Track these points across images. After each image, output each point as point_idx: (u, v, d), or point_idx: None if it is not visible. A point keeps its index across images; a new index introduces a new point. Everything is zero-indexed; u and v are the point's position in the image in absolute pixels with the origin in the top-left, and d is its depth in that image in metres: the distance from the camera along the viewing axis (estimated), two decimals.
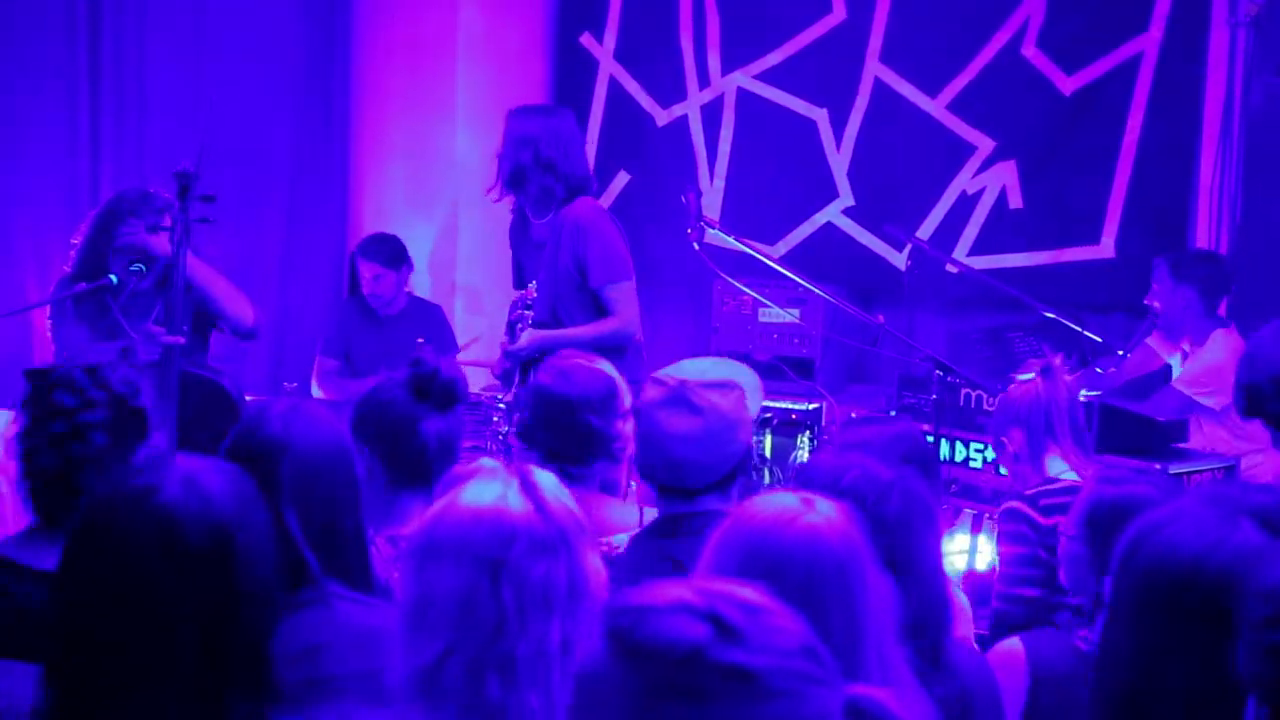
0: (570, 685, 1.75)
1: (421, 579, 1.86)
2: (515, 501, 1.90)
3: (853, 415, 5.31)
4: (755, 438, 5.38)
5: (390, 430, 2.96)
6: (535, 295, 4.91)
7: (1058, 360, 3.86)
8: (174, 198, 4.07)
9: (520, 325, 4.87)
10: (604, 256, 4.81)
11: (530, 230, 4.98)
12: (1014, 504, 3.65)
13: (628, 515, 3.22)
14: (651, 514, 3.24)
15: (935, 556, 2.40)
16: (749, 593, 1.27)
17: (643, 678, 1.20)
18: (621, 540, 3.10)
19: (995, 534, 3.78)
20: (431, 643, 1.82)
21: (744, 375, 3.05)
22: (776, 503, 1.93)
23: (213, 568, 1.79)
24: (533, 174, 4.84)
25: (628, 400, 3.28)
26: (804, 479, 2.51)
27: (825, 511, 1.91)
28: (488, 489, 1.92)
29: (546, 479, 1.97)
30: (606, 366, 3.39)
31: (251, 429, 2.56)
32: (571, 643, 1.84)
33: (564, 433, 3.26)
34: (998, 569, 3.67)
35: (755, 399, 3.12)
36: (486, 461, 2.01)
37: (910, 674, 1.96)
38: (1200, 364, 5.20)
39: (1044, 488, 3.68)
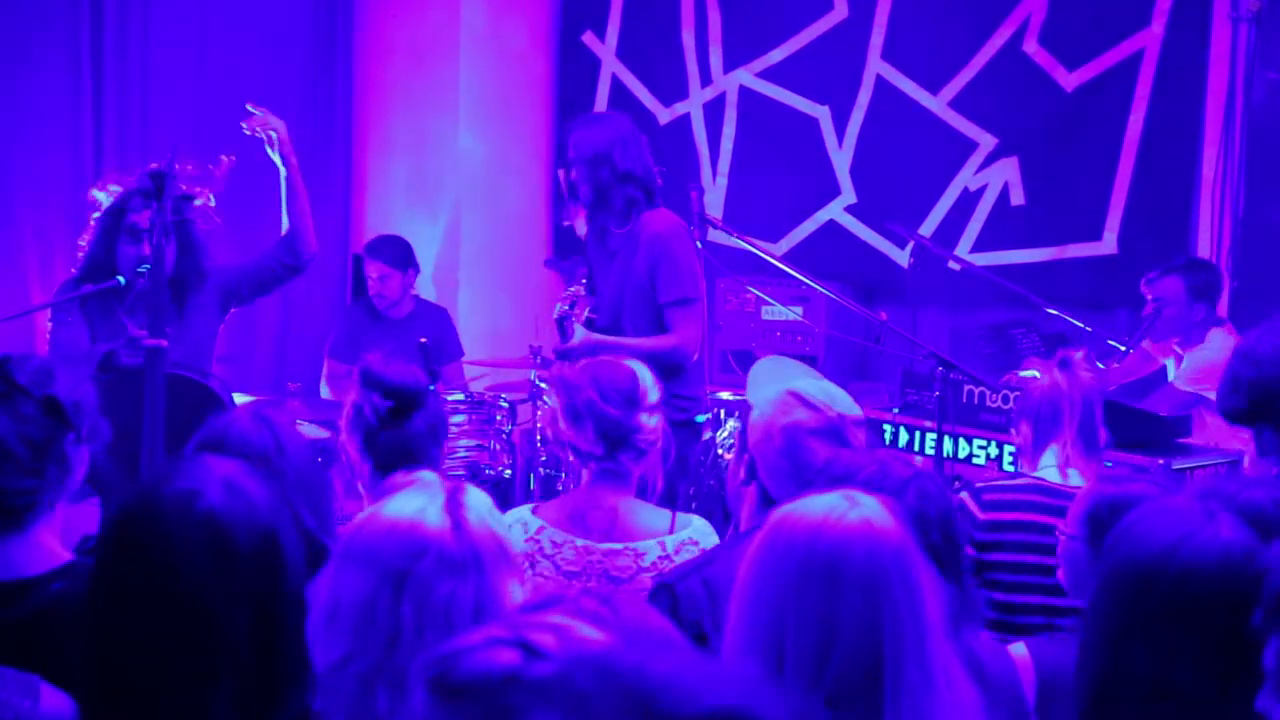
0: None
1: (335, 582, 1.86)
2: (433, 517, 1.88)
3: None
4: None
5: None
6: (582, 294, 4.88)
7: (1078, 355, 3.82)
8: (152, 199, 4.07)
9: (567, 323, 4.81)
10: (675, 274, 4.69)
11: (608, 240, 4.87)
12: (961, 494, 3.65)
13: (659, 520, 3.19)
14: (687, 519, 3.21)
15: (956, 551, 2.41)
16: (561, 612, 1.30)
17: (468, 715, 1.23)
18: (649, 547, 3.07)
19: None
20: (334, 647, 1.82)
21: (845, 398, 3.00)
22: (821, 503, 1.92)
23: (261, 570, 1.80)
24: (614, 189, 4.74)
25: (653, 395, 3.23)
26: (819, 475, 2.51)
27: (871, 507, 1.90)
28: (411, 501, 1.91)
29: (477, 499, 1.95)
30: (634, 364, 3.31)
31: (235, 436, 2.60)
32: None
33: (589, 428, 3.21)
34: None
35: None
36: (425, 475, 2.00)
37: (965, 671, 1.96)
38: (1201, 360, 5.21)
39: (993, 481, 3.69)
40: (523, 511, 3.22)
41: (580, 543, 3.10)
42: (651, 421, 3.18)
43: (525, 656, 1.23)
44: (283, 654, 1.77)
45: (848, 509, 1.89)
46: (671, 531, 3.12)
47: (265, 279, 4.84)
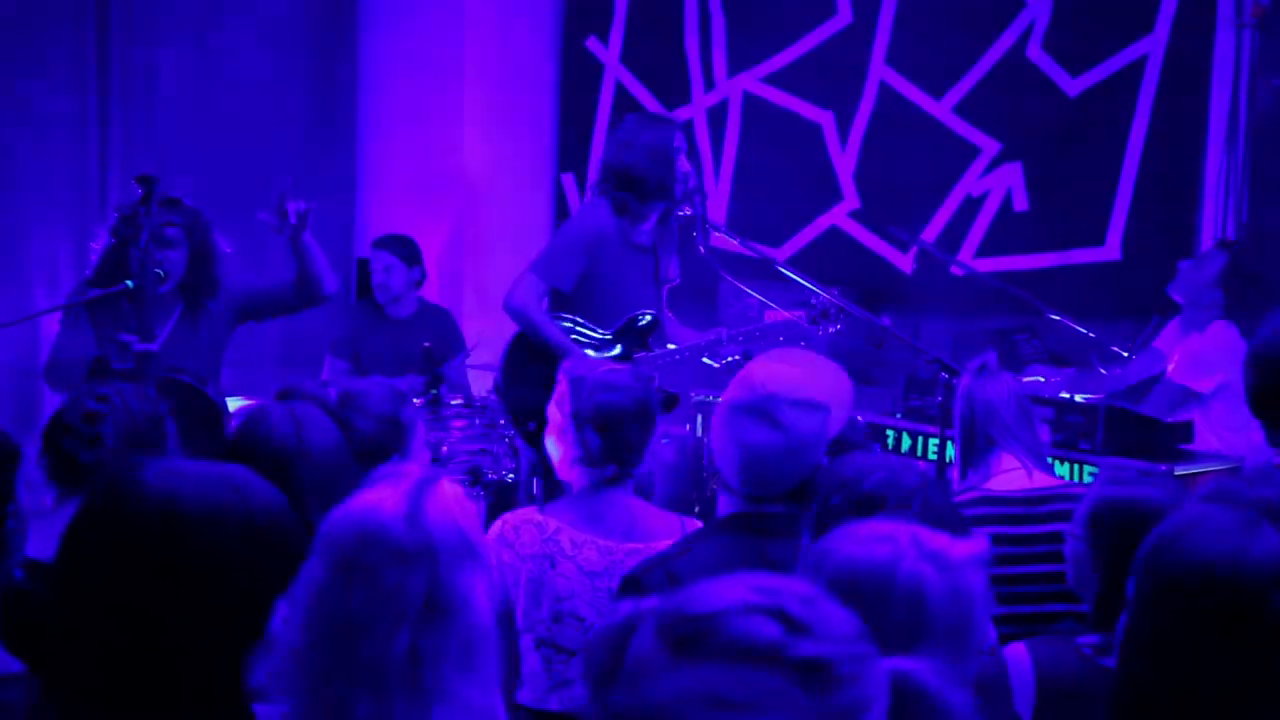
0: (420, 697, 1.74)
1: (302, 575, 1.86)
2: (390, 506, 1.88)
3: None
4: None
5: None
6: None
7: (992, 358, 3.77)
8: (138, 203, 4.08)
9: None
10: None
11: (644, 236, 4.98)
12: None
13: (668, 521, 3.20)
14: (693, 520, 3.23)
15: None
16: (797, 584, 1.28)
17: (720, 683, 1.19)
18: None
19: None
20: (297, 638, 1.81)
21: (840, 391, 2.92)
22: (880, 538, 1.87)
23: (200, 568, 1.76)
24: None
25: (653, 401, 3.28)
26: (829, 480, 2.51)
27: (938, 556, 1.85)
28: (374, 493, 1.91)
29: (447, 490, 1.94)
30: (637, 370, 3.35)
31: (260, 433, 2.59)
32: (423, 657, 1.82)
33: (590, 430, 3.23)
34: None
35: (843, 413, 2.98)
36: (406, 467, 2.00)
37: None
38: (1193, 351, 5.20)
39: (960, 497, 3.57)
40: (529, 513, 3.22)
41: (601, 542, 3.12)
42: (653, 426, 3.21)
43: (786, 630, 1.20)
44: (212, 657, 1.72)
45: (907, 554, 1.84)
46: (682, 532, 3.13)
47: (280, 307, 4.89)
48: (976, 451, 3.63)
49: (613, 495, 3.18)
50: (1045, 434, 3.71)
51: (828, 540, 1.91)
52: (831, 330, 4.86)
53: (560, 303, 4.92)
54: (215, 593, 1.67)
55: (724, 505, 2.82)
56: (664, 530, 3.16)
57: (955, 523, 2.41)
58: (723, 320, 6.28)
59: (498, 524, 3.20)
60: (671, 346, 4.98)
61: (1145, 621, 1.98)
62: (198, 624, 1.66)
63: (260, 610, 1.70)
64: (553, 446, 3.29)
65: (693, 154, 5.02)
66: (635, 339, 4.96)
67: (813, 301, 4.89)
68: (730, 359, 4.83)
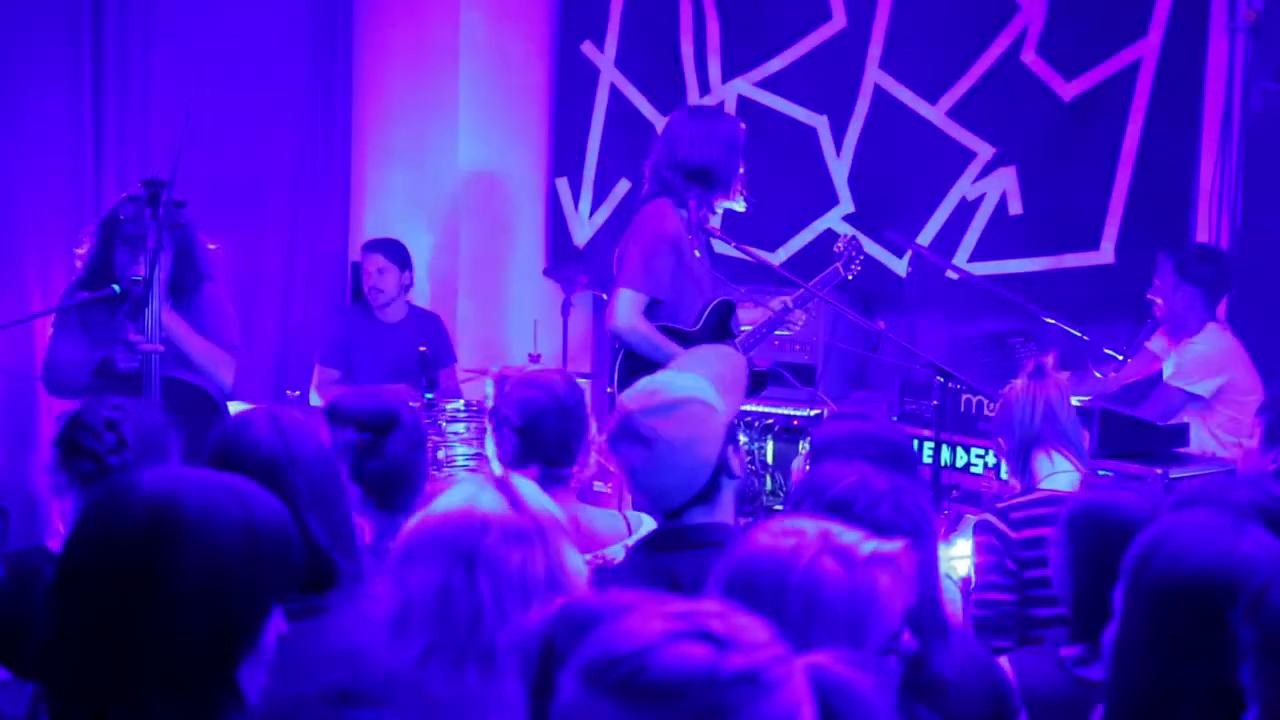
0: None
1: (400, 584, 1.86)
2: (487, 499, 1.91)
3: (825, 412, 5.32)
4: (748, 441, 5.39)
5: None
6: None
7: (1048, 360, 3.83)
8: (145, 205, 4.08)
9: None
10: None
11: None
12: (985, 516, 3.65)
13: (614, 523, 3.21)
14: (638, 518, 3.23)
15: (927, 567, 2.38)
16: (706, 602, 1.28)
17: (663, 717, 1.19)
18: (616, 552, 3.08)
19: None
20: (413, 642, 1.82)
21: (702, 383, 2.84)
22: (788, 534, 1.85)
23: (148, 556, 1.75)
24: None
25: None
26: (801, 486, 2.50)
27: (845, 551, 1.83)
28: (459, 492, 1.94)
29: (525, 484, 1.97)
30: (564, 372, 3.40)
31: (245, 443, 2.56)
32: None
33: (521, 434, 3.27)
34: (973, 578, 3.67)
35: (727, 399, 2.94)
36: (462, 474, 2.02)
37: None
38: (1190, 355, 5.22)
39: (1016, 500, 3.65)
40: None
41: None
42: (593, 428, 3.21)
43: (716, 650, 1.20)
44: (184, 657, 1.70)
45: (815, 547, 1.83)
46: (630, 532, 3.12)
47: None
48: (1029, 452, 3.68)
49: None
50: (1086, 437, 3.78)
51: (742, 535, 1.91)
52: (855, 268, 5.17)
53: (647, 310, 4.86)
54: (214, 600, 1.67)
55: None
56: (608, 532, 3.14)
57: (927, 528, 2.38)
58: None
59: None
60: (747, 328, 5.01)
61: (1135, 628, 1.97)
62: (195, 631, 1.66)
63: (258, 618, 1.70)
64: (488, 446, 3.33)
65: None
66: (721, 327, 4.97)
67: (838, 246, 5.17)
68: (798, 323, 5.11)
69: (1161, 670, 1.93)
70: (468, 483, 1.96)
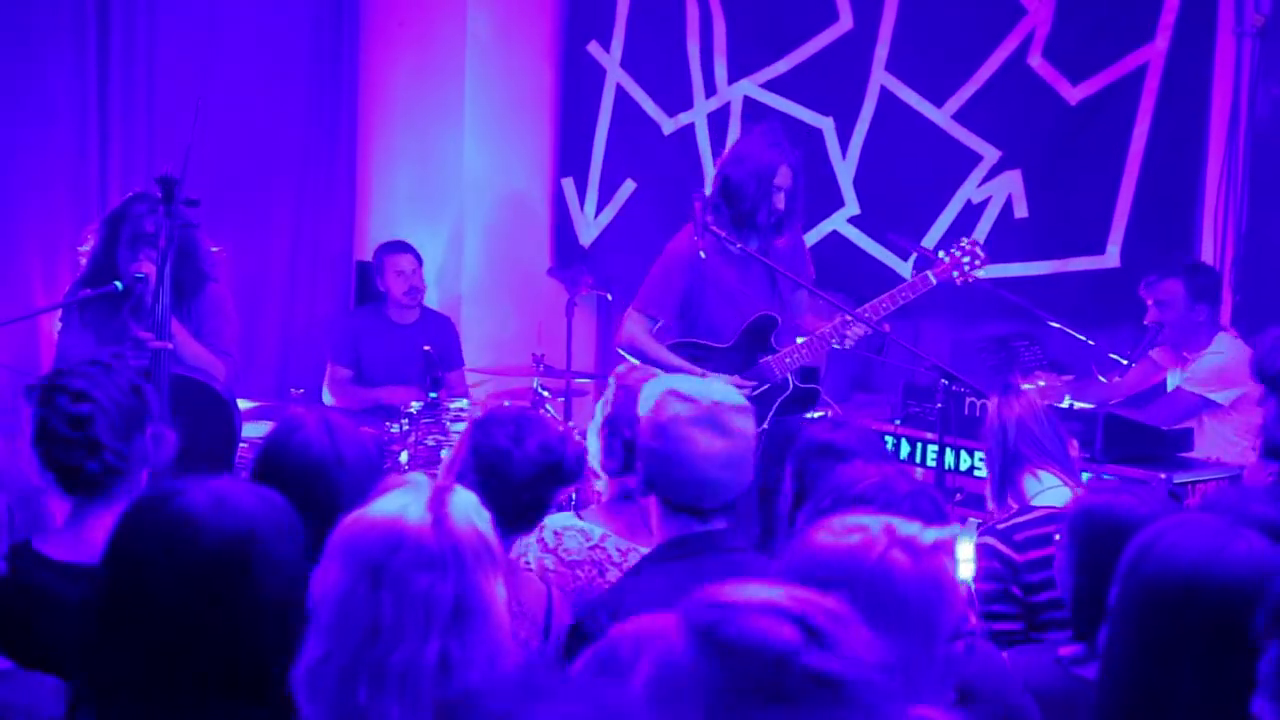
0: (446, 703, 1.73)
1: (317, 581, 1.85)
2: (414, 513, 1.88)
3: (828, 414, 5.26)
4: None
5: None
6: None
7: (1018, 379, 3.77)
8: (159, 202, 4.08)
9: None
10: None
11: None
12: (986, 539, 3.50)
13: None
14: None
15: None
16: (833, 602, 1.26)
17: (729, 675, 1.18)
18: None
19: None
20: (317, 644, 1.81)
21: (724, 389, 2.92)
22: (853, 529, 1.86)
23: (227, 580, 1.78)
24: None
25: None
26: (825, 485, 2.50)
27: (909, 543, 1.84)
28: (394, 500, 1.91)
29: (464, 498, 1.94)
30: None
31: (297, 445, 2.61)
32: (453, 663, 1.82)
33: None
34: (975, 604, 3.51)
35: None
36: (416, 476, 2.01)
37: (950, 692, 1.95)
38: (1206, 366, 5.21)
39: (1017, 520, 3.51)
40: (568, 519, 3.20)
41: (646, 551, 3.05)
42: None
43: (805, 638, 1.18)
44: (243, 668, 1.73)
45: (883, 544, 1.84)
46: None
47: None
48: (1012, 472, 3.60)
49: (646, 503, 3.11)
50: (1073, 447, 3.69)
51: (804, 536, 1.91)
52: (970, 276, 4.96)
53: (683, 326, 4.99)
54: (282, 611, 1.70)
55: (662, 526, 2.79)
56: None
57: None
58: None
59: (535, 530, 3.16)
60: (801, 340, 4.99)
61: (1126, 627, 1.97)
62: (268, 639, 1.68)
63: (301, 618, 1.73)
64: (592, 443, 3.29)
65: (800, 170, 5.07)
66: (757, 343, 4.96)
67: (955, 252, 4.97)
68: (855, 338, 4.87)
69: (1151, 670, 1.93)
70: (406, 490, 1.92)
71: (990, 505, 3.72)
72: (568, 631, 2.72)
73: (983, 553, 3.49)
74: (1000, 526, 3.53)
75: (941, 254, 5.04)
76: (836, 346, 4.92)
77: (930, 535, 1.86)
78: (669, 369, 4.61)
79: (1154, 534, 1.99)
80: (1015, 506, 3.62)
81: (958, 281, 5.00)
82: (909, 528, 1.87)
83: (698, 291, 4.92)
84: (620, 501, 3.20)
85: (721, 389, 2.85)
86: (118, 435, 2.59)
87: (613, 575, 3.08)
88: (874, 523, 1.87)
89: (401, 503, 1.90)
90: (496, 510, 2.05)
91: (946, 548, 1.86)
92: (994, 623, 3.40)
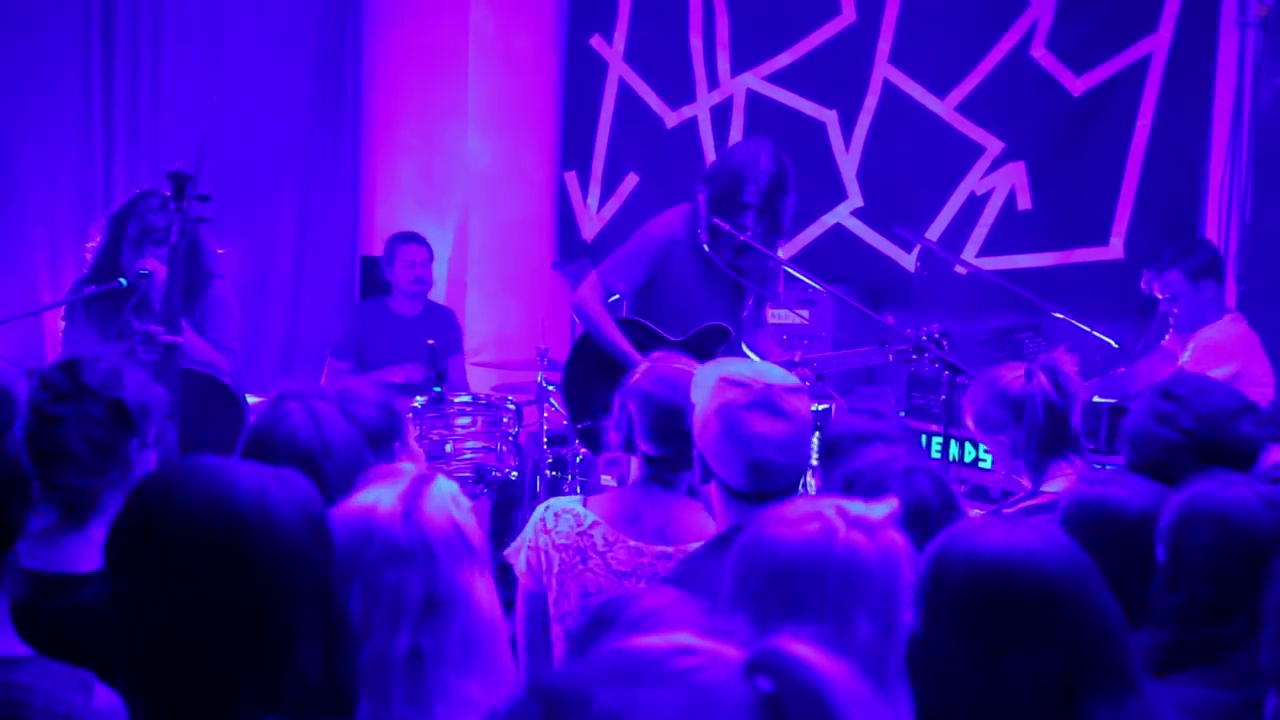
0: (422, 697, 1.70)
1: None
2: (386, 506, 1.87)
3: (832, 407, 5.23)
4: None
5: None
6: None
7: (1058, 359, 3.70)
8: (170, 198, 4.09)
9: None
10: None
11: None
12: None
13: (708, 523, 3.12)
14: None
15: None
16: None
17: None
18: None
19: None
20: None
21: (777, 371, 2.86)
22: (807, 518, 1.84)
23: (268, 568, 1.74)
24: None
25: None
26: (835, 473, 2.49)
27: (863, 522, 1.83)
28: (370, 494, 1.90)
29: (443, 489, 1.93)
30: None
31: (283, 433, 2.59)
32: (424, 657, 1.81)
33: (673, 439, 3.10)
34: None
35: None
36: (405, 466, 1.99)
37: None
38: (1204, 341, 5.20)
39: (1024, 505, 3.48)
40: (572, 502, 3.14)
41: (632, 543, 3.04)
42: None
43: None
44: (296, 654, 1.71)
45: (838, 527, 1.82)
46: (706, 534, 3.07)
47: None
48: (1045, 455, 3.55)
49: (655, 494, 3.09)
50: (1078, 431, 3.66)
51: (756, 529, 1.88)
52: (929, 359, 4.63)
53: (640, 304, 4.94)
54: (309, 590, 1.68)
55: (724, 513, 2.75)
56: (697, 532, 3.05)
57: (950, 510, 2.39)
58: None
59: (542, 507, 3.14)
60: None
61: (941, 632, 1.90)
62: (303, 621, 1.65)
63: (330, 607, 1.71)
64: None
65: (777, 189, 4.82)
66: (700, 350, 4.89)
67: (898, 337, 4.77)
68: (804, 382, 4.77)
69: (978, 674, 1.87)
70: (388, 482, 1.92)
71: (1024, 482, 3.65)
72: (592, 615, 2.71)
73: None
74: (1007, 511, 3.49)
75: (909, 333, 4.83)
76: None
77: (877, 511, 1.84)
78: (604, 345, 4.78)
79: (945, 543, 1.95)
80: (1028, 487, 3.61)
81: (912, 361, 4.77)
82: (856, 507, 1.85)
83: (662, 278, 4.88)
84: (631, 490, 3.15)
85: (775, 371, 2.80)
86: (82, 473, 2.41)
87: (593, 563, 3.03)
88: (825, 506, 1.85)
89: (374, 497, 1.89)
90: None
91: (893, 519, 1.84)
92: None
